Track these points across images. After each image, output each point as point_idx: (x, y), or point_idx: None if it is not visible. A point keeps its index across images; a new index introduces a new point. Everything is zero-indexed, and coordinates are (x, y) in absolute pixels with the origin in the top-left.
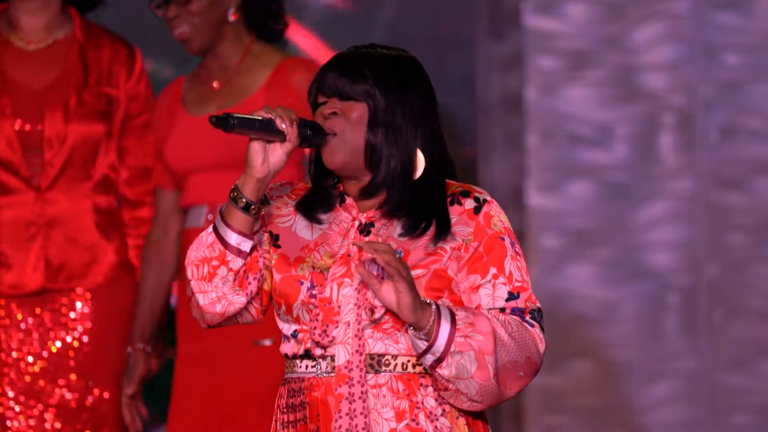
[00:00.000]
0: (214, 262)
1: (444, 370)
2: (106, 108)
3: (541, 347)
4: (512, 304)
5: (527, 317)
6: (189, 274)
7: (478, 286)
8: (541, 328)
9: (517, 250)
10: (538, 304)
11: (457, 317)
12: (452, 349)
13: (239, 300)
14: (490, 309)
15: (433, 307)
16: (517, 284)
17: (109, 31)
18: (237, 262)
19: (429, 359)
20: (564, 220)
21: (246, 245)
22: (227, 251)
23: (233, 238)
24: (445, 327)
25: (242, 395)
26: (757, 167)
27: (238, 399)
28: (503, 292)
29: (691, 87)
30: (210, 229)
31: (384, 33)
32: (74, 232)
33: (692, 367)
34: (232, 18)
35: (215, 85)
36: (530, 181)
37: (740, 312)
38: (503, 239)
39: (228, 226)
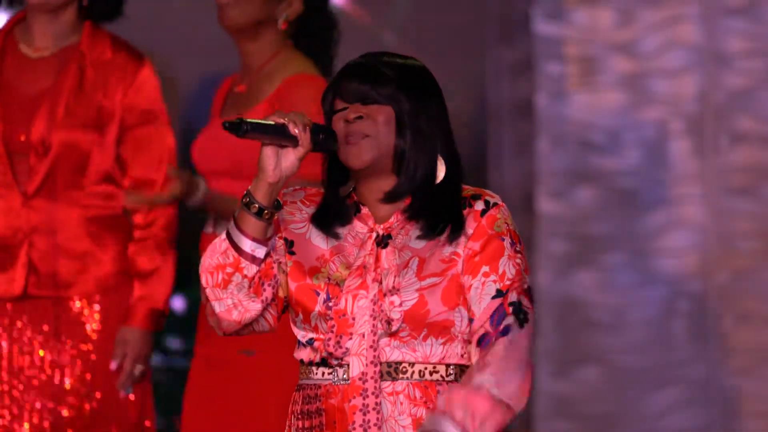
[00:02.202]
0: (228, 269)
1: None
2: (97, 118)
3: (524, 344)
4: (497, 302)
5: (510, 318)
6: (204, 282)
7: (470, 287)
8: (522, 321)
9: (517, 249)
10: (523, 298)
11: (456, 417)
12: None
13: (255, 307)
14: (482, 336)
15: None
16: (507, 282)
17: (118, 40)
18: (251, 269)
19: None
20: (574, 226)
21: (260, 251)
22: (241, 258)
23: (247, 244)
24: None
25: (254, 401)
26: (767, 173)
27: (251, 405)
28: (491, 289)
29: (702, 93)
30: (223, 235)
31: (394, 38)
32: (63, 240)
33: (702, 373)
34: (282, 26)
35: (239, 88)
36: (540, 186)
37: (750, 318)
38: (503, 239)
39: (242, 232)
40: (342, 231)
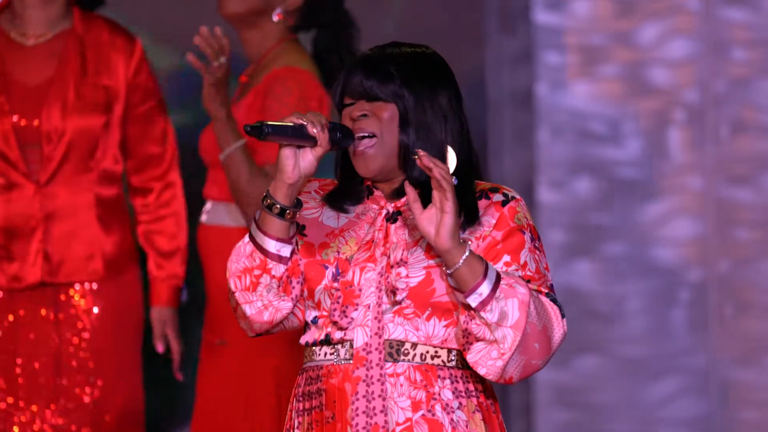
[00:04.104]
0: (256, 272)
1: (488, 314)
2: (105, 100)
3: (557, 328)
4: None
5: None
6: (232, 286)
7: None
8: (561, 311)
9: (537, 245)
10: (554, 295)
11: (499, 270)
12: (497, 294)
13: (285, 306)
14: None
15: (468, 248)
16: (528, 273)
17: (110, 21)
18: (279, 269)
19: (475, 299)
20: (574, 216)
21: (286, 250)
22: (268, 259)
23: (272, 245)
24: (492, 273)
25: (265, 386)
26: (767, 163)
27: (262, 390)
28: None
29: (702, 83)
30: (246, 238)
31: (394, 29)
32: (75, 226)
33: (702, 362)
34: (275, 18)
35: (242, 79)
36: (540, 176)
37: (750, 307)
38: (523, 232)
39: (265, 234)
40: (353, 209)
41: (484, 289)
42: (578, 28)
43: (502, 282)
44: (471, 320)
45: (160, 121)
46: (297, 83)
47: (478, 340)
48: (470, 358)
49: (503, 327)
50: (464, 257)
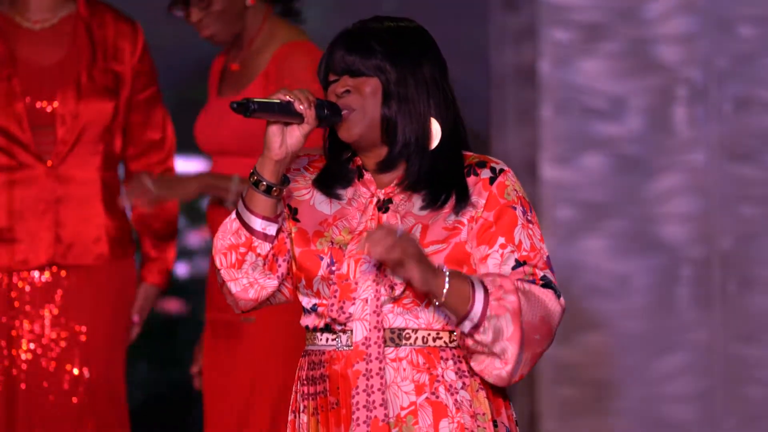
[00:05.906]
0: (242, 249)
1: (482, 336)
2: (113, 85)
3: (555, 311)
4: (520, 270)
5: (539, 283)
6: (218, 263)
7: (486, 256)
8: (556, 292)
9: (529, 218)
10: (548, 272)
11: (485, 282)
12: (488, 313)
13: (271, 284)
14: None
15: (447, 273)
16: (524, 253)
17: (112, 8)
18: (264, 247)
19: (467, 326)
20: (577, 193)
21: (271, 229)
22: (253, 237)
23: (258, 223)
24: (479, 294)
25: (270, 364)
26: None
27: (267, 368)
28: (511, 260)
29: (705, 59)
30: (233, 215)
31: (396, 5)
32: (85, 209)
33: (705, 339)
34: (249, 2)
35: (233, 67)
36: (544, 153)
37: (753, 284)
38: (514, 208)
39: (251, 212)
40: (344, 193)
41: (475, 313)
42: (582, 4)
43: (491, 299)
44: (467, 338)
45: (159, 107)
46: (309, 57)
47: (479, 353)
48: (475, 367)
49: (500, 341)
50: (445, 291)
